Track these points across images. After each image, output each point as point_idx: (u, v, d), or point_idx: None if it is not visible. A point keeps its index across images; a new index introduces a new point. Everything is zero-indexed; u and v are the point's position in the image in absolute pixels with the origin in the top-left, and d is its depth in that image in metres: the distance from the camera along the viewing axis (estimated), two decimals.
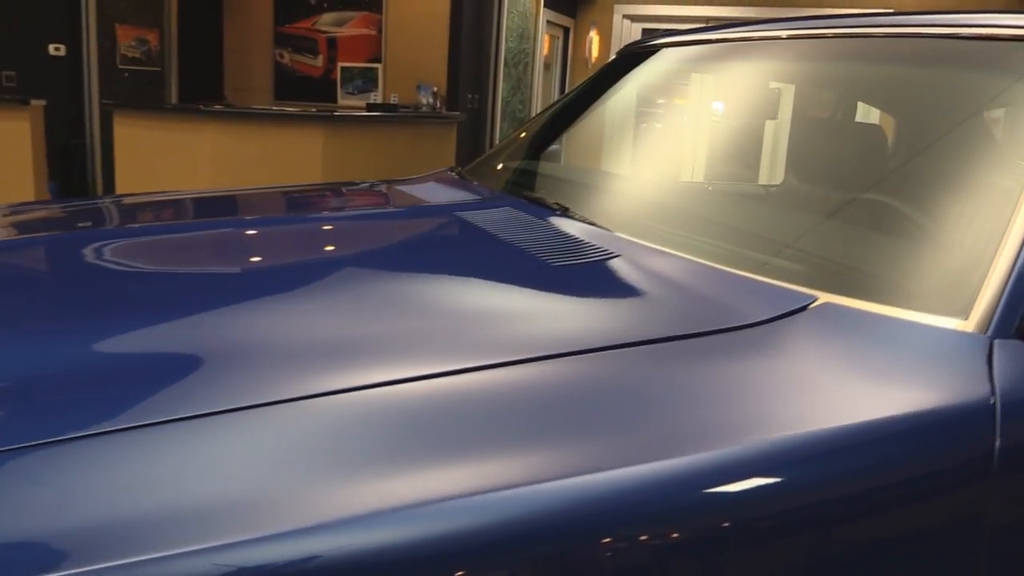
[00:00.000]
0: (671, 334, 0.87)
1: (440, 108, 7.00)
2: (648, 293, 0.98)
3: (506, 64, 7.65)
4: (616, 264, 1.08)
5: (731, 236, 1.17)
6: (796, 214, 1.34)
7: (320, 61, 7.73)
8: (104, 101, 6.29)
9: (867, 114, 1.89)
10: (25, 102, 6.13)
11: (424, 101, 7.01)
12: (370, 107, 7.01)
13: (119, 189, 5.67)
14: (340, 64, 7.61)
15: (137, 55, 7.04)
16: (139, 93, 7.00)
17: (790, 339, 0.85)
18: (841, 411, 0.74)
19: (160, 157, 5.48)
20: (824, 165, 1.57)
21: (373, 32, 7.51)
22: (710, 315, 0.91)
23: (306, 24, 7.71)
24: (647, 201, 1.42)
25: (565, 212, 1.36)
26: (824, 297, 0.95)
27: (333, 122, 5.34)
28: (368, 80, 7.55)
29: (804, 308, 0.92)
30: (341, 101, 7.57)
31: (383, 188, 1.70)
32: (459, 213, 1.37)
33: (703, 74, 1.76)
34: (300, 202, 1.62)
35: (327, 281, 1.03)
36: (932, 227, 1.04)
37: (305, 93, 7.74)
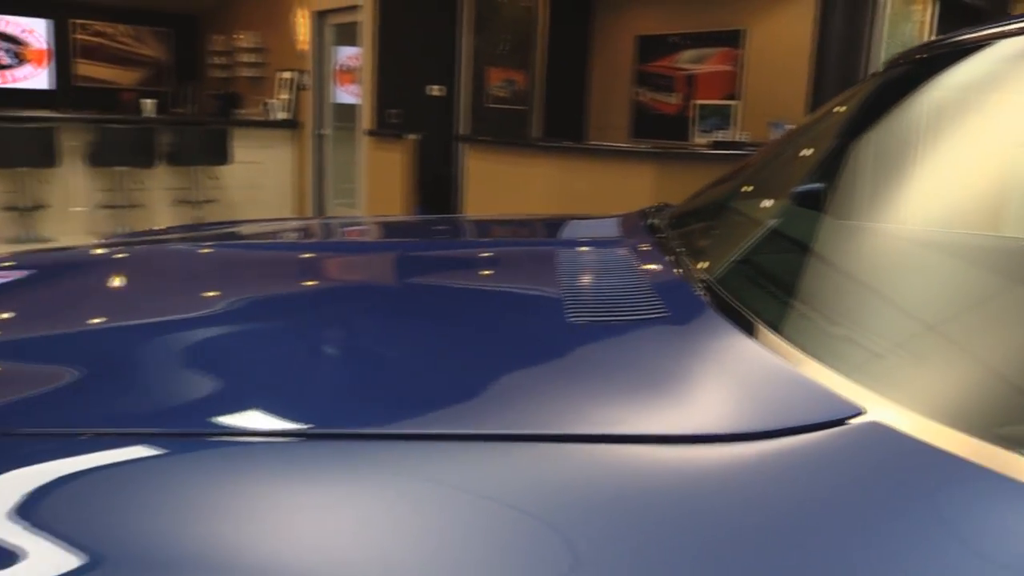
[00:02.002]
0: None
1: None
2: None
3: None
4: None
5: None
6: None
7: (676, 99, 7.68)
8: (458, 135, 6.83)
9: None
10: (400, 136, 6.89)
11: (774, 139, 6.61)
12: (714, 145, 6.79)
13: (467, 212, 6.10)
14: (696, 102, 7.48)
15: (504, 95, 7.56)
16: (504, 130, 7.50)
17: None
18: None
19: (501, 187, 5.80)
20: None
21: (731, 68, 7.29)
22: None
23: (666, 62, 7.72)
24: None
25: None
26: None
27: (665, 158, 5.24)
28: (722, 117, 7.33)
29: None
30: (695, 139, 7.43)
31: (560, 223, 1.56)
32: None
33: None
34: (459, 230, 1.55)
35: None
36: None
37: (660, 131, 7.74)
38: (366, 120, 7.50)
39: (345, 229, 1.75)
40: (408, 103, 7.28)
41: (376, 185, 7.39)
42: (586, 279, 1.05)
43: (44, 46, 10.54)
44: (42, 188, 7.26)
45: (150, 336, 0.96)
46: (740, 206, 1.38)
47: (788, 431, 0.60)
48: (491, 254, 1.35)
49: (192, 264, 1.33)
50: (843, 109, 1.48)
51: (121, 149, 7.38)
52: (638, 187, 5.14)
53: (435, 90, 7.37)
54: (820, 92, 6.68)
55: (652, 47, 7.79)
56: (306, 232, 1.63)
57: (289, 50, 8.78)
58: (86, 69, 10.85)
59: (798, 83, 6.83)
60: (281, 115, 8.75)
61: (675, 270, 1.04)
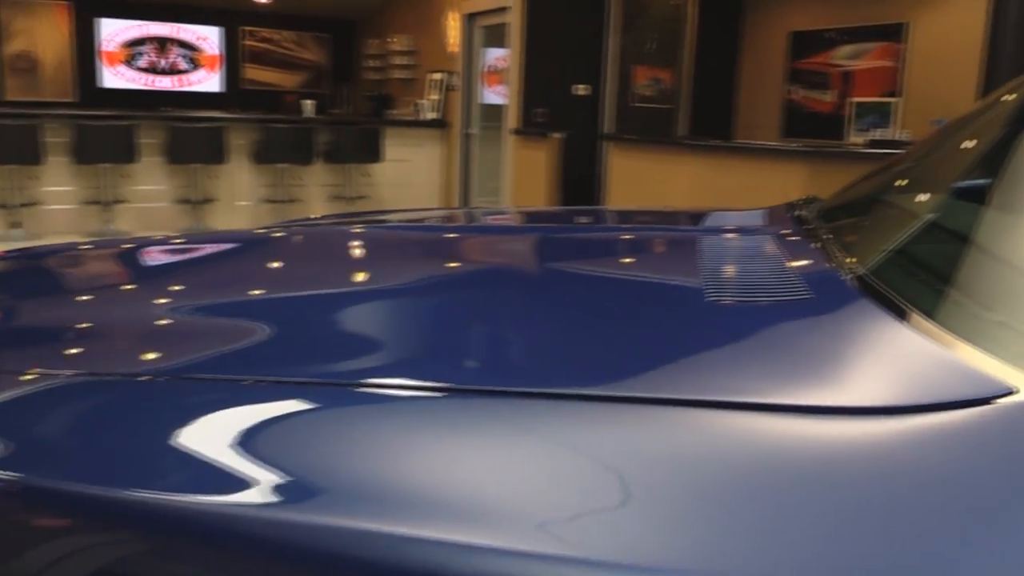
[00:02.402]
0: None
1: None
2: None
3: None
4: None
5: None
6: None
7: (831, 96, 7.39)
8: (602, 134, 6.82)
9: None
10: (545, 135, 6.96)
11: None
12: (871, 144, 6.49)
13: None
14: (852, 99, 7.17)
15: (650, 93, 7.51)
16: (649, 129, 7.45)
17: None
18: None
19: (645, 185, 5.76)
20: None
21: (892, 64, 6.94)
22: None
23: (820, 59, 7.44)
24: None
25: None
26: None
27: (816, 157, 5.06)
28: (881, 115, 6.99)
29: None
30: (851, 139, 7.13)
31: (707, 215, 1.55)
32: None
33: None
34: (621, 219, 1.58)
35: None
36: None
37: (812, 130, 7.47)
38: (512, 119, 7.62)
39: (494, 215, 1.81)
40: (554, 102, 7.35)
41: (521, 183, 7.50)
42: (728, 263, 1.05)
43: (216, 52, 11.30)
44: (211, 183, 7.79)
45: (343, 303, 1.05)
46: (892, 198, 1.33)
47: (936, 407, 0.59)
48: (635, 237, 1.38)
49: (351, 241, 1.43)
50: (1011, 98, 1.40)
51: (283, 147, 7.82)
52: (787, 187, 4.99)
53: (581, 89, 7.40)
54: (992, 88, 6.27)
55: (806, 43, 7.53)
56: (458, 217, 1.71)
57: (439, 52, 9.04)
58: (253, 73, 11.55)
59: (966, 79, 6.43)
60: (430, 115, 9.02)
61: (821, 257, 1.02)
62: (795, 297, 0.87)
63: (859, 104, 7.10)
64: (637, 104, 7.44)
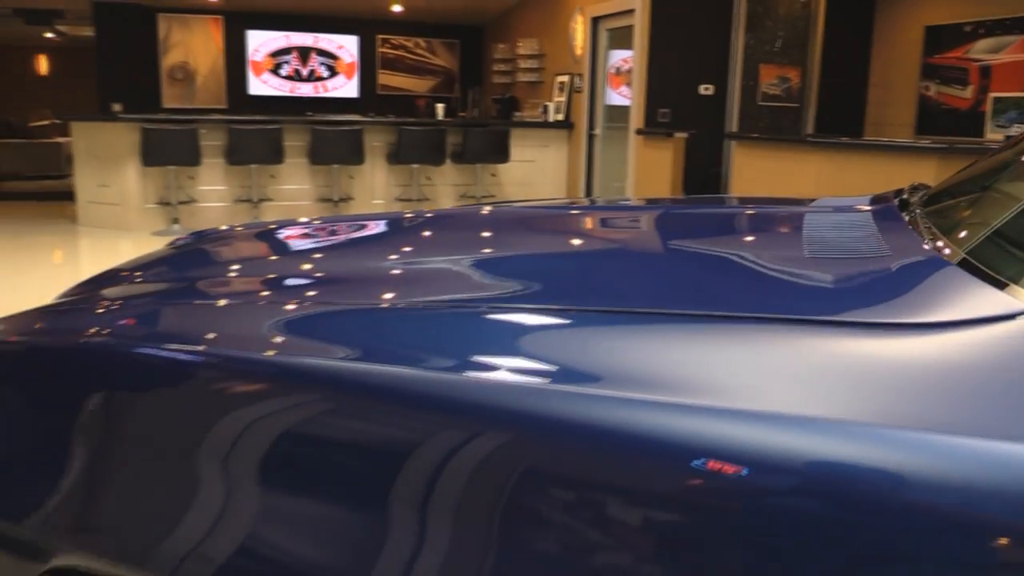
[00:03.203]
0: None
1: None
2: None
3: None
4: None
5: None
6: None
7: (969, 92, 7.16)
8: (727, 133, 6.85)
9: None
10: (669, 135, 7.04)
11: None
12: (1008, 140, 6.25)
13: None
14: (992, 94, 6.94)
15: (777, 92, 7.47)
16: (775, 128, 7.42)
17: None
18: None
19: (769, 183, 5.78)
20: None
21: None
22: None
23: (957, 53, 7.22)
24: None
25: None
26: None
27: (950, 154, 4.97)
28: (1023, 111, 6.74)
29: None
30: (989, 135, 6.90)
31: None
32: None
33: None
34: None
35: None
36: None
37: (949, 127, 7.26)
38: (636, 119, 7.74)
39: (627, 201, 2.04)
40: (678, 102, 7.43)
41: (644, 181, 7.61)
42: (825, 231, 1.21)
43: (353, 59, 11.88)
44: (349, 183, 8.25)
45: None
46: (990, 182, 1.44)
47: (986, 320, 0.74)
48: (753, 212, 1.56)
49: (507, 216, 1.67)
50: None
51: (415, 148, 8.21)
52: (922, 180, 4.92)
53: (706, 89, 7.46)
54: None
55: (942, 37, 7.32)
56: (601, 201, 1.95)
57: (565, 55, 9.25)
58: (387, 79, 12.09)
59: None
60: (556, 117, 9.24)
61: (907, 226, 1.16)
62: (877, 253, 1.04)
63: (999, 99, 6.87)
64: (763, 103, 7.43)
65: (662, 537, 0.69)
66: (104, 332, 1.11)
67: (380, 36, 11.99)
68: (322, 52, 11.79)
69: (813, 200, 1.64)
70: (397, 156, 8.21)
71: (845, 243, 1.10)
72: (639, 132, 7.65)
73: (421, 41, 12.22)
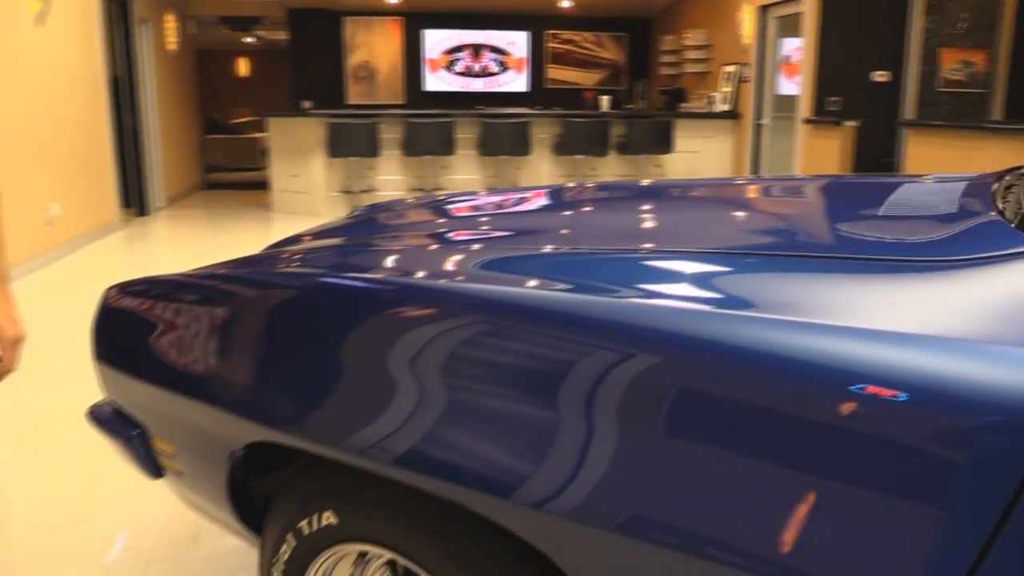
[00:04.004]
0: None
1: None
2: None
3: None
4: None
5: None
6: None
7: None
8: (902, 120, 6.61)
9: None
10: (838, 123, 6.89)
11: None
12: None
13: None
14: None
15: (959, 77, 7.13)
16: (956, 115, 7.09)
17: None
18: None
19: (942, 171, 5.57)
20: None
21: None
22: None
23: None
24: None
25: None
26: None
27: None
28: None
29: None
30: None
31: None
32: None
33: None
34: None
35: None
36: None
37: None
38: (804, 108, 7.60)
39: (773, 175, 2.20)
40: (849, 90, 7.24)
41: (812, 171, 7.47)
42: (908, 195, 1.37)
43: (523, 55, 12.25)
44: (516, 173, 8.58)
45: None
46: None
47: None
48: (872, 183, 1.71)
49: (675, 192, 1.88)
50: None
51: (580, 140, 8.43)
52: None
53: (879, 76, 7.22)
54: None
55: None
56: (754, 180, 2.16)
57: (733, 45, 9.18)
58: (555, 73, 12.38)
59: None
60: (722, 107, 9.19)
61: (989, 197, 1.28)
62: (949, 212, 1.23)
63: None
64: (943, 89, 7.11)
65: (813, 453, 0.73)
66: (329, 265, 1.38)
67: (549, 31, 12.28)
68: (494, 48, 12.22)
69: (940, 176, 1.75)
70: (562, 147, 8.46)
71: (929, 208, 1.26)
72: (806, 121, 7.51)
73: (589, 35, 12.41)
